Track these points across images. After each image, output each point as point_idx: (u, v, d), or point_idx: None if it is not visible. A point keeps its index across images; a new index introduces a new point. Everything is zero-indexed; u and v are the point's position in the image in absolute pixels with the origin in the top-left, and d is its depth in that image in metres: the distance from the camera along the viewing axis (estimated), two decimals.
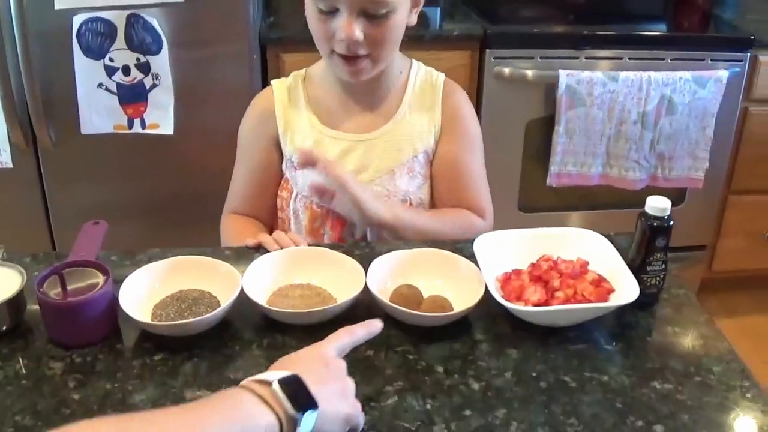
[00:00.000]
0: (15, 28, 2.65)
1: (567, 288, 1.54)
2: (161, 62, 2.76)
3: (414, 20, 1.87)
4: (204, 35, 2.81)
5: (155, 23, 2.70)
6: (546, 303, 1.52)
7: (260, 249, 1.77)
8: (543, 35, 3.22)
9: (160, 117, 2.85)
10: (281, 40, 3.07)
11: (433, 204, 2.02)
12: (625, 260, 1.60)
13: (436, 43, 3.10)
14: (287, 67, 3.04)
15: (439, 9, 3.46)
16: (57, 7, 2.66)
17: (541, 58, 3.14)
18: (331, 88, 1.97)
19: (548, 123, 3.19)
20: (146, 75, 2.78)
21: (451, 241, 1.79)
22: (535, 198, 3.39)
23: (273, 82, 2.04)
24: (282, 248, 1.72)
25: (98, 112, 2.82)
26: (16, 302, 1.52)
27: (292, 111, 1.98)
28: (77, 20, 2.68)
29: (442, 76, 2.03)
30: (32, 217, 3.05)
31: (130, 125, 2.86)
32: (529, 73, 3.12)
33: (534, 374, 1.40)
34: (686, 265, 3.56)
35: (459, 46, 3.12)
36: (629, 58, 3.18)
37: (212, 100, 2.88)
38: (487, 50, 3.12)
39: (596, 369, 1.41)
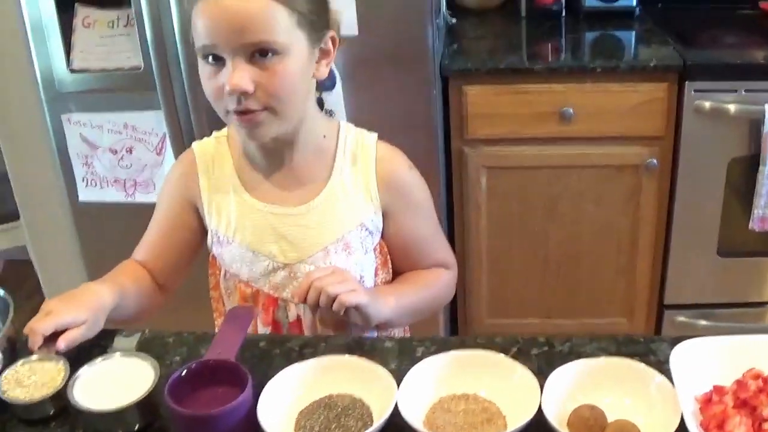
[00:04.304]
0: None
1: None
2: (335, 99, 2.63)
3: (324, 73, 1.67)
4: (380, 68, 2.67)
5: None
6: None
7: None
8: (748, 66, 2.91)
9: None
10: (464, 72, 2.89)
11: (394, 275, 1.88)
12: None
13: (631, 75, 2.86)
14: (470, 100, 2.88)
15: (633, 33, 3.22)
16: None
17: (745, 91, 2.84)
18: (253, 155, 1.77)
19: (753, 162, 2.89)
20: (320, 111, 2.64)
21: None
22: (736, 242, 3.09)
23: (194, 144, 1.84)
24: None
25: None
26: (148, 402, 1.41)
27: (215, 180, 1.79)
28: None
29: (373, 138, 1.82)
30: None
31: None
32: (732, 107, 2.83)
33: None
34: None
35: (656, 77, 2.86)
36: None
37: (389, 137, 2.71)
38: (687, 82, 2.84)
39: None
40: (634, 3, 3.29)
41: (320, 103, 2.61)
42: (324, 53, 1.67)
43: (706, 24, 3.35)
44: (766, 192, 2.90)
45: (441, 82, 2.85)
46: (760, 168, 2.86)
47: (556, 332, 3.17)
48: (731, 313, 3.18)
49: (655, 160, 2.93)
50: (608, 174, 2.98)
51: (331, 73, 2.57)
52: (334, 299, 1.57)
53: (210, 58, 1.56)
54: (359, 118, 2.63)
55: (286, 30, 1.55)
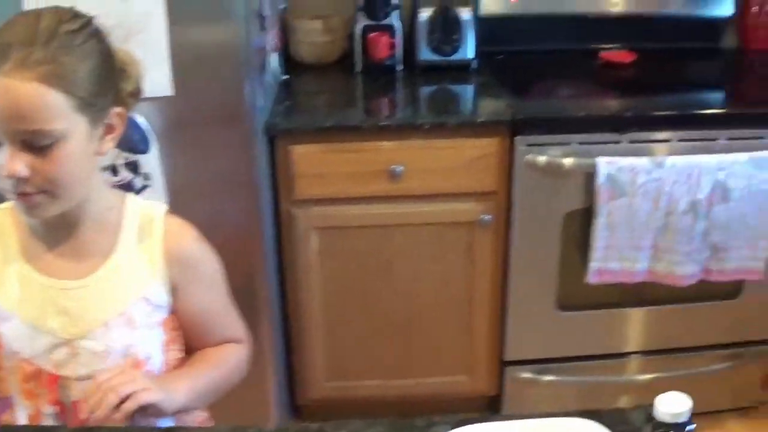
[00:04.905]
0: None
1: None
2: (151, 161, 2.52)
3: (108, 147, 1.61)
4: (198, 129, 2.57)
5: (141, 120, 2.45)
6: None
7: None
8: (579, 118, 2.90)
9: None
10: (291, 131, 2.82)
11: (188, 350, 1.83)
12: None
13: (461, 130, 2.83)
14: (297, 159, 2.81)
15: (469, 87, 3.22)
16: None
17: (578, 143, 2.83)
18: (36, 228, 1.69)
19: (588, 215, 2.88)
20: (136, 175, 2.54)
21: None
22: (575, 295, 3.07)
23: None
24: None
25: None
26: None
27: None
28: None
29: (161, 212, 1.75)
30: None
31: None
32: (565, 161, 2.81)
33: None
34: (745, 362, 3.22)
35: (486, 132, 2.83)
36: (678, 140, 2.87)
37: (211, 199, 2.62)
38: (517, 136, 2.82)
39: None
40: (471, 56, 3.27)
41: (135, 167, 2.52)
42: (109, 128, 1.59)
43: (545, 76, 3.37)
44: (601, 245, 2.88)
45: (268, 141, 2.78)
46: (595, 221, 2.85)
47: (397, 393, 3.13)
48: (579, 367, 3.15)
49: (489, 216, 2.90)
50: (442, 231, 2.94)
51: (145, 135, 2.48)
52: (124, 399, 1.49)
53: None
54: (178, 180, 2.55)
55: (63, 116, 1.47)
